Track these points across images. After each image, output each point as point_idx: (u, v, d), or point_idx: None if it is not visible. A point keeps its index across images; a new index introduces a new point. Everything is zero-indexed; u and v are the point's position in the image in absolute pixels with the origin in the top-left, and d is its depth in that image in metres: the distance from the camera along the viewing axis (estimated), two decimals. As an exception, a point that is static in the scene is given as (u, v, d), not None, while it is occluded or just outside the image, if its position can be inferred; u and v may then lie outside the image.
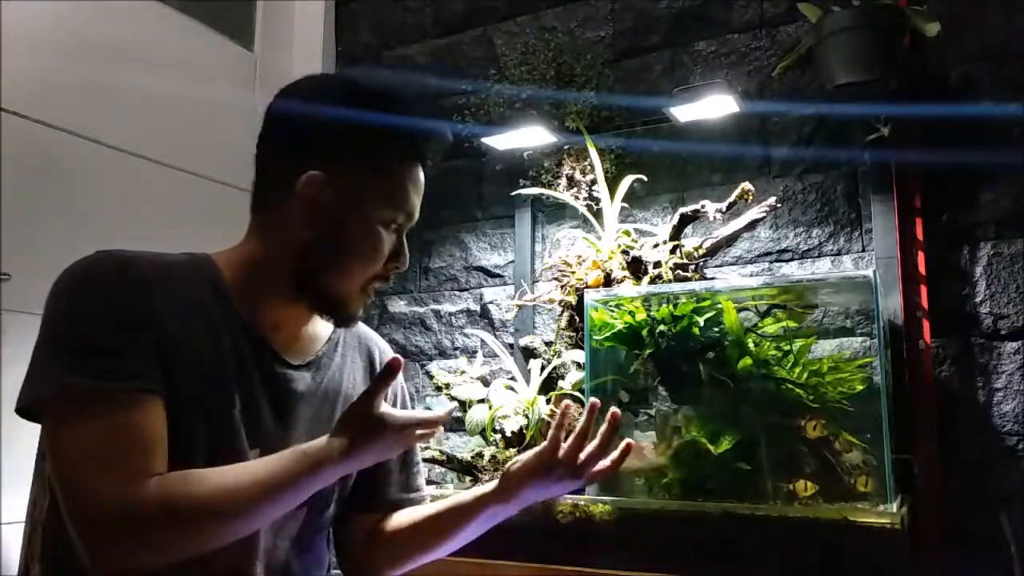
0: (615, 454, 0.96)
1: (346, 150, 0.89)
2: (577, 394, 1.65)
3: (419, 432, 0.88)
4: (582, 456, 0.94)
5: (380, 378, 0.85)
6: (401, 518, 1.06)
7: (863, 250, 1.74)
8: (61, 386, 0.78)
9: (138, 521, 0.75)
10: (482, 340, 1.98)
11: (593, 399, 0.97)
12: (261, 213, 0.94)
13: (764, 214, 1.66)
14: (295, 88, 0.94)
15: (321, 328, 1.01)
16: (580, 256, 1.78)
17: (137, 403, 0.78)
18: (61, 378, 0.78)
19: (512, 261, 2.12)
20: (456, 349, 2.18)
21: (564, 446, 0.94)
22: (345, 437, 0.83)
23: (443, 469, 1.82)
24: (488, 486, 0.99)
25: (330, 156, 0.89)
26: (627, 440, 0.97)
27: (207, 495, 0.77)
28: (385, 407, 0.85)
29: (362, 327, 1.10)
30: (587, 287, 1.67)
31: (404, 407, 1.13)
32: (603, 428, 0.96)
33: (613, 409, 0.96)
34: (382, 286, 0.96)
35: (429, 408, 2.04)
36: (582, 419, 0.95)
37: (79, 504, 0.75)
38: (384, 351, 1.11)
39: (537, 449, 0.96)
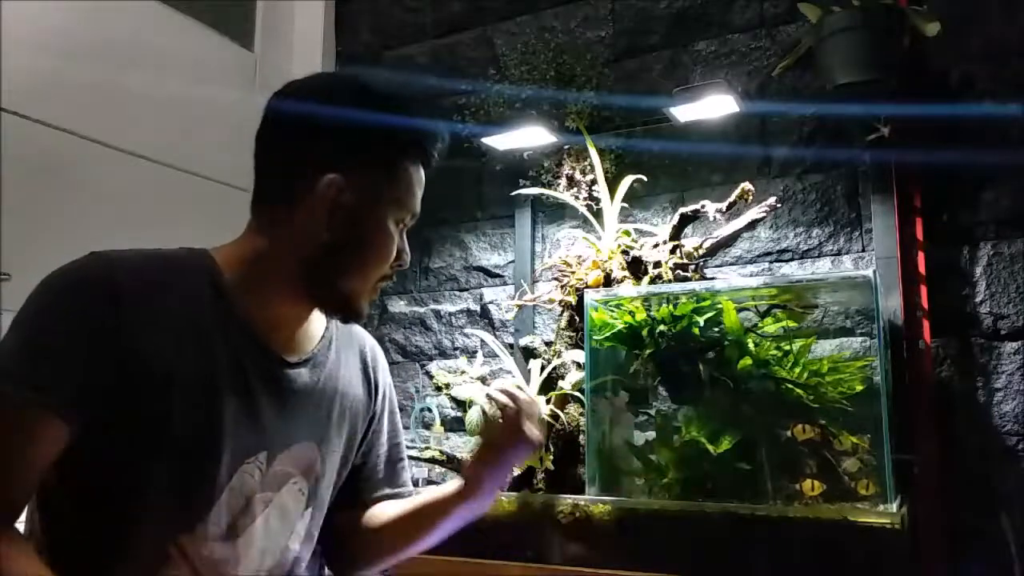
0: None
1: (362, 152, 0.89)
2: (577, 394, 1.65)
3: None
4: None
5: None
6: (379, 513, 1.06)
7: (863, 250, 1.74)
8: None
9: None
10: (482, 340, 1.98)
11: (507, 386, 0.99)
12: (264, 210, 0.93)
13: (764, 214, 1.67)
14: (301, 87, 0.93)
15: (314, 326, 1.00)
16: (580, 256, 1.78)
17: (22, 416, 0.76)
18: None
19: (512, 261, 2.12)
20: (456, 349, 2.18)
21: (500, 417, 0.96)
22: None
23: (443, 469, 1.82)
24: (453, 487, 1.00)
25: (346, 158, 0.88)
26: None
27: None
28: None
29: (352, 325, 1.10)
30: (587, 287, 1.67)
31: (392, 413, 1.13)
32: (512, 384, 0.98)
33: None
34: (387, 284, 0.96)
35: (429, 409, 2.04)
36: (502, 398, 0.97)
37: None
38: (372, 347, 1.11)
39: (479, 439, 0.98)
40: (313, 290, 0.91)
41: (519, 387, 0.99)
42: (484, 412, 1.01)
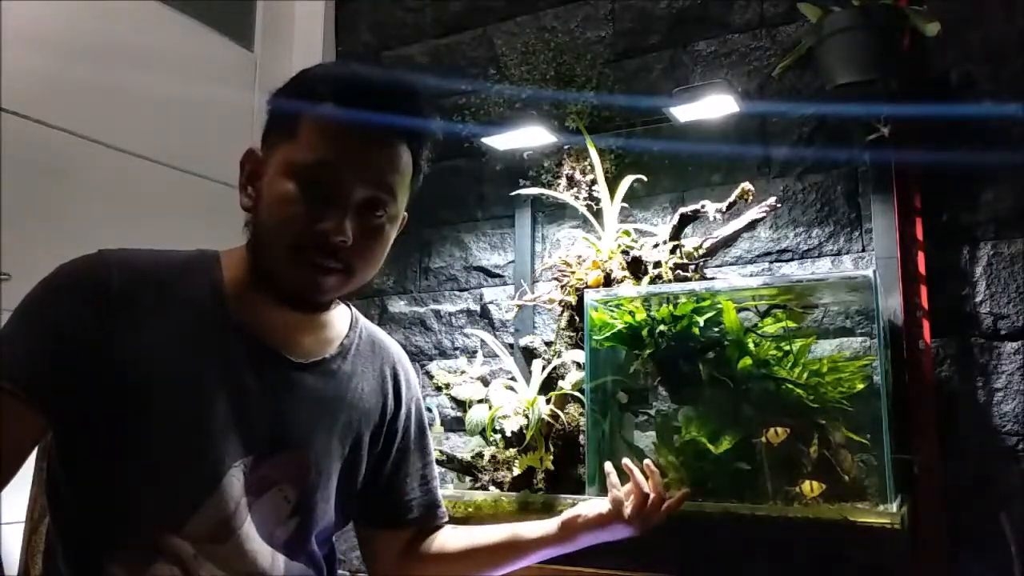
0: (671, 502, 1.02)
1: (273, 120, 0.90)
2: (577, 394, 1.65)
3: None
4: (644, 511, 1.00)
5: None
6: (448, 540, 1.07)
7: (863, 250, 1.74)
8: None
9: None
10: (482, 340, 1.98)
11: (648, 461, 1.04)
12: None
13: (764, 214, 1.66)
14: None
15: (332, 333, 0.99)
16: (580, 256, 1.78)
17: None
18: None
19: (512, 261, 2.12)
20: (456, 349, 2.18)
21: (627, 508, 1.00)
22: None
23: (443, 469, 1.82)
24: (548, 528, 1.03)
25: (265, 131, 0.91)
26: (684, 490, 1.04)
27: None
28: None
29: (383, 338, 1.08)
30: (587, 287, 1.67)
31: (420, 433, 1.12)
32: (653, 480, 1.02)
33: (647, 461, 1.04)
34: (322, 260, 0.85)
35: (429, 409, 2.04)
36: (640, 478, 1.01)
37: None
38: (399, 364, 1.08)
39: (600, 511, 1.01)
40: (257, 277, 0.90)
41: (654, 467, 1.03)
42: (615, 475, 1.06)
